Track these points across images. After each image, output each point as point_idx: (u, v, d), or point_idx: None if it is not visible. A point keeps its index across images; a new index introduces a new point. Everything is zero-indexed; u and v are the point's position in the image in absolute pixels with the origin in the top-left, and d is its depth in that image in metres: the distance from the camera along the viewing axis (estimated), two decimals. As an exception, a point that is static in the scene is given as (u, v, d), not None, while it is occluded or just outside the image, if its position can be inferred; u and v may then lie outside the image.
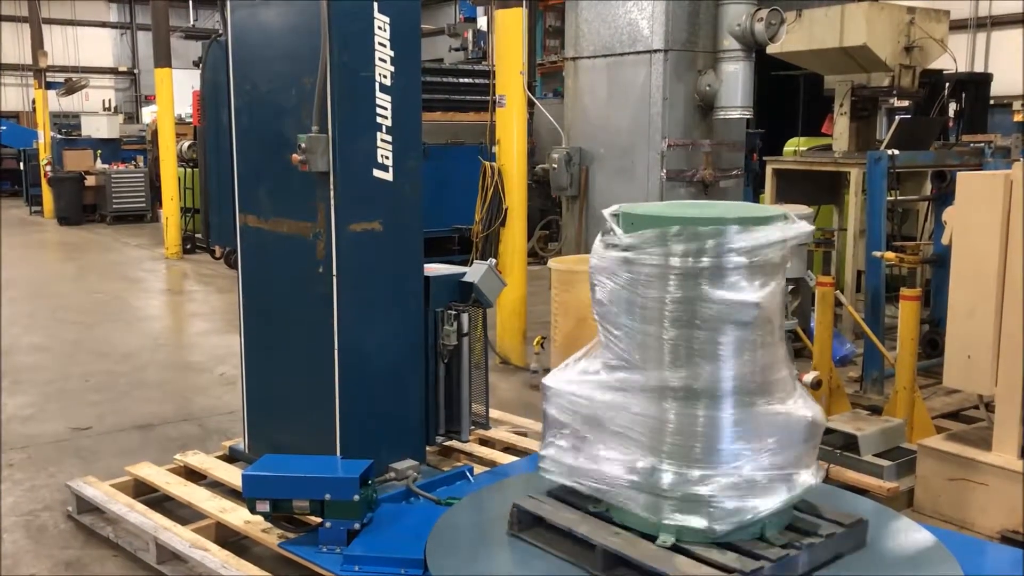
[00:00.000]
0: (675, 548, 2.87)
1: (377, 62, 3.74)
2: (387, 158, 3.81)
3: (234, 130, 4.18)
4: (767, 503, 2.87)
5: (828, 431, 4.33)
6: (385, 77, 3.76)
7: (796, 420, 3.00)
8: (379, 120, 3.76)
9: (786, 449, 2.96)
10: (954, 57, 7.88)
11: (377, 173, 3.79)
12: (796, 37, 7.26)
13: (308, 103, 3.67)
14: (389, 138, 3.80)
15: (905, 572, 3.07)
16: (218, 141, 11.01)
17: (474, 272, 4.28)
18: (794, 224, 2.95)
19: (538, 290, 7.60)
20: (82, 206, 16.79)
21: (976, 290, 3.82)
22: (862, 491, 4.00)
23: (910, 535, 3.35)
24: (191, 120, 14.46)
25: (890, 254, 5.26)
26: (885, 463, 4.14)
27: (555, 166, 6.87)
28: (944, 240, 4.10)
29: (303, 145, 3.63)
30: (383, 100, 3.77)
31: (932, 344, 5.77)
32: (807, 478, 3.02)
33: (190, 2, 24.79)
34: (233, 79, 4.15)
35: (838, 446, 4.27)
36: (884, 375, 5.42)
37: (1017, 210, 3.71)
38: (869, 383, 5.47)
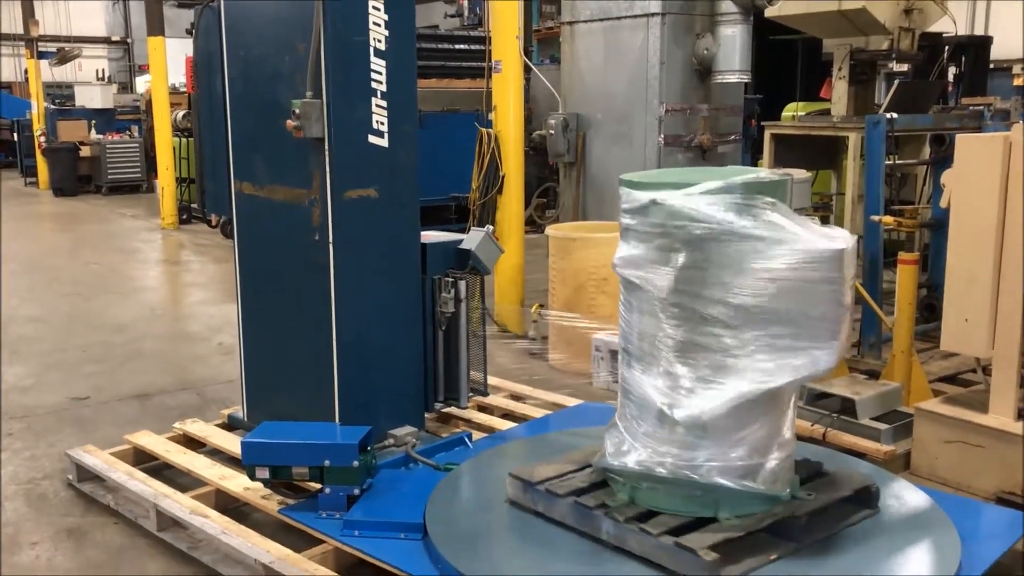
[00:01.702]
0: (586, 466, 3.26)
1: (371, 26, 3.69)
2: (382, 124, 3.78)
3: (228, 97, 4.15)
4: (620, 462, 3.02)
5: (825, 395, 4.36)
6: (379, 42, 3.72)
7: (654, 402, 2.95)
8: (374, 85, 3.72)
9: (653, 426, 2.97)
10: (954, 20, 7.80)
11: (372, 139, 3.77)
12: (794, 1, 7.19)
13: (302, 68, 3.64)
14: (384, 103, 3.76)
15: (901, 533, 3.09)
16: (212, 108, 10.91)
17: (471, 239, 4.26)
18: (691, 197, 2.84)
19: (536, 258, 7.59)
20: (77, 177, 16.71)
21: (974, 253, 3.81)
22: (859, 454, 4.02)
23: (906, 497, 3.37)
24: (185, 89, 14.36)
25: (888, 218, 5.25)
26: (882, 426, 4.16)
27: (552, 132, 6.83)
28: (942, 203, 4.08)
29: (297, 111, 3.60)
30: (378, 65, 3.73)
31: (930, 308, 5.77)
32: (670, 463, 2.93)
33: (182, -30, 24.51)
34: (226, 45, 4.10)
35: (835, 410, 4.28)
36: (882, 339, 5.42)
37: (1016, 172, 3.70)
38: (867, 347, 5.48)
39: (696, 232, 2.82)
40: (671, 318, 2.91)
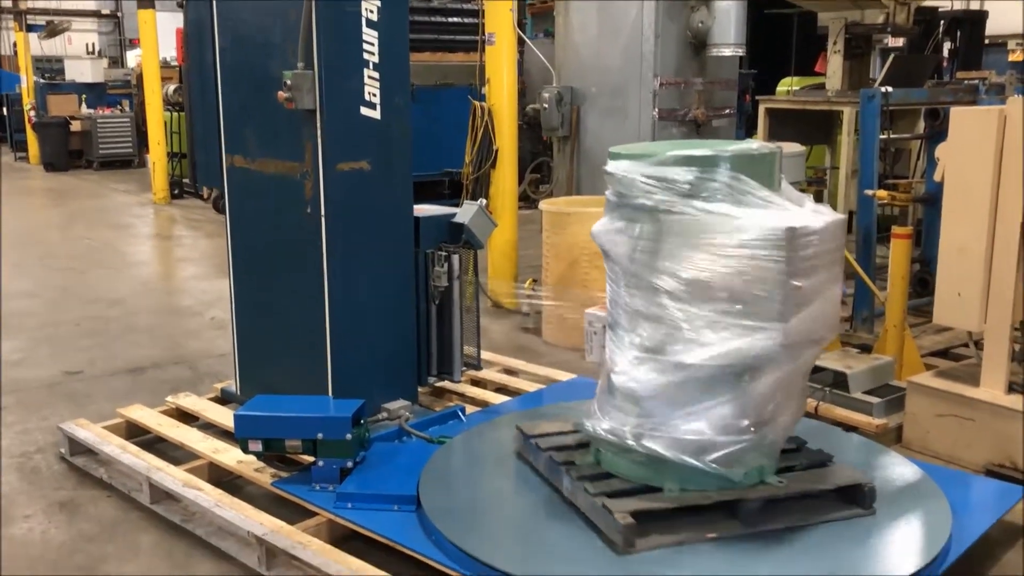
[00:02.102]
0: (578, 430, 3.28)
1: (363, -4, 3.66)
2: (374, 96, 3.75)
3: (219, 68, 4.11)
4: (591, 424, 3.09)
5: (818, 369, 4.37)
6: (371, 12, 3.68)
7: (608, 371, 3.05)
8: (366, 56, 3.69)
9: (610, 392, 3.06)
10: (950, -6, 7.77)
11: (365, 111, 3.74)
12: (790, -26, 7.15)
13: (293, 39, 3.60)
14: (376, 75, 3.73)
15: (893, 504, 3.11)
16: (203, 80, 10.82)
17: (464, 213, 4.25)
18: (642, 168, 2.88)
19: (529, 234, 7.57)
20: (68, 152, 16.58)
21: (967, 227, 3.81)
22: (851, 428, 4.04)
23: (898, 469, 3.39)
24: (176, 63, 14.25)
25: (882, 192, 5.25)
26: (874, 400, 4.17)
27: (546, 106, 6.79)
28: (936, 176, 4.08)
29: (288, 82, 3.57)
30: (370, 36, 3.69)
31: (922, 283, 5.78)
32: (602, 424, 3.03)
33: (172, -58, 24.20)
34: (217, 17, 4.06)
35: (827, 384, 4.29)
36: (874, 314, 5.44)
37: (1011, 145, 3.69)
38: (859, 322, 5.50)
39: (648, 203, 2.85)
40: (629, 287, 2.96)
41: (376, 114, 3.76)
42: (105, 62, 19.94)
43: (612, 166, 2.94)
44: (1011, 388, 3.84)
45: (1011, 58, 11.36)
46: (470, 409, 4.20)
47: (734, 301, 2.78)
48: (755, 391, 2.88)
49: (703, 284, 2.80)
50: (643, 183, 2.84)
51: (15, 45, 18.78)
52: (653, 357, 2.90)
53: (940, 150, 4.04)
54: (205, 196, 11.91)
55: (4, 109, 19.12)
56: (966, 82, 6.37)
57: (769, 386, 2.89)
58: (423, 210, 4.20)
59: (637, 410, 2.94)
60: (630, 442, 2.93)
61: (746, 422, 2.89)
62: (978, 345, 4.12)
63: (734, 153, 2.86)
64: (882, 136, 5.55)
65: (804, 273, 2.78)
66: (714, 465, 2.84)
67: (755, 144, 3.08)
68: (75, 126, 16.48)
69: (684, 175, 2.80)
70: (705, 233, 2.78)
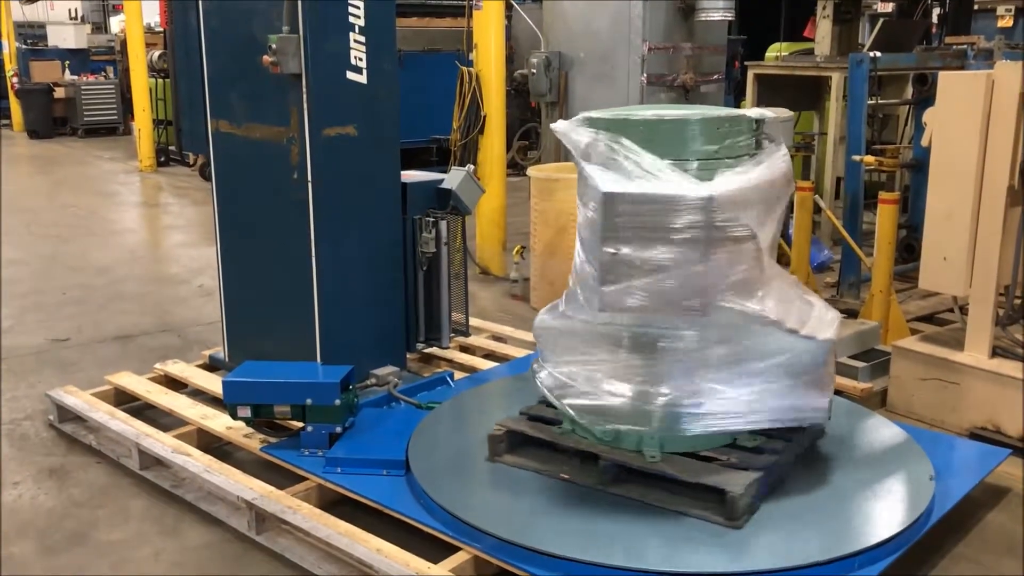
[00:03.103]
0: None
1: (348, -42, 3.61)
2: (361, 60, 3.72)
3: (203, 32, 4.06)
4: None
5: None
6: (357, -25, 3.64)
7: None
8: (352, 20, 3.66)
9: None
10: (940, -42, 7.73)
11: (351, 75, 3.71)
12: (780, -63, 7.09)
13: (278, 2, 3.56)
14: (363, 39, 3.70)
15: (878, 465, 3.15)
16: (187, 44, 10.70)
17: (452, 178, 4.23)
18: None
19: (518, 201, 7.55)
20: (52, 119, 16.39)
21: (954, 192, 3.83)
22: (837, 392, 4.06)
23: (882, 431, 3.43)
24: (161, 28, 14.06)
25: (869, 158, 5.25)
26: (859, 364, 4.20)
27: (534, 71, 6.75)
28: (924, 141, 4.09)
29: (274, 46, 3.54)
30: (355, -1, 3.66)
31: (909, 249, 5.81)
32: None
33: (155, -96, 23.81)
34: (200, -21, 4.01)
35: (814, 348, 4.31)
36: (861, 279, 5.47)
37: (998, 110, 3.69)
38: (846, 287, 5.52)
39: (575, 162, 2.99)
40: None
41: (362, 78, 3.74)
42: (88, 28, 19.63)
43: (556, 123, 3.04)
44: (995, 352, 3.87)
45: (1000, 23, 11.32)
46: (458, 375, 4.22)
47: (594, 262, 2.89)
48: (636, 358, 2.92)
49: (585, 242, 2.96)
50: (564, 140, 3.00)
51: (-4, 10, 18.47)
52: (554, 305, 3.15)
53: (928, 115, 4.04)
54: (191, 163, 11.82)
55: (-14, 75, 18.85)
56: (954, 47, 6.36)
57: (648, 357, 2.88)
58: (411, 176, 4.18)
59: (544, 351, 3.16)
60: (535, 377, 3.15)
61: (627, 386, 2.89)
62: (963, 310, 4.15)
63: (624, 118, 2.92)
64: (870, 101, 5.55)
65: (628, 241, 2.74)
66: (572, 412, 2.98)
67: (715, 110, 3.11)
68: (59, 93, 16.28)
69: (583, 137, 2.90)
70: (584, 194, 2.95)
